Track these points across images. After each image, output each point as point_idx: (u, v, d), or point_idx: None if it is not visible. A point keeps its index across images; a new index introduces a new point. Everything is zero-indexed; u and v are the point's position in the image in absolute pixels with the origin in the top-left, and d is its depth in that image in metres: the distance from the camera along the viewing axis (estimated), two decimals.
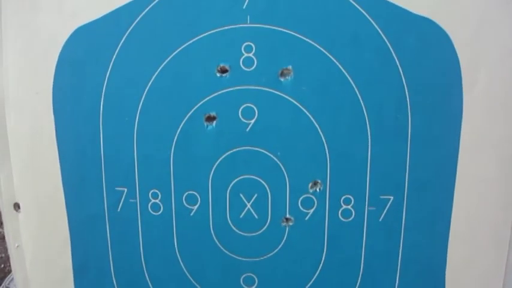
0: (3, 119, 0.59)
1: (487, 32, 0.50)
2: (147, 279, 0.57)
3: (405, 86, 0.49)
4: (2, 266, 2.20)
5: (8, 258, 2.15)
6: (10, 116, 0.58)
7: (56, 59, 0.54)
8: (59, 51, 0.54)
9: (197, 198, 0.53)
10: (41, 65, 0.55)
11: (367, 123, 0.49)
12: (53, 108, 0.55)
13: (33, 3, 0.55)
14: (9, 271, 2.06)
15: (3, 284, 1.95)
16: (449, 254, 0.53)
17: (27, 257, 0.63)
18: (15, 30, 0.56)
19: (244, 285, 0.55)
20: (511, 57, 0.50)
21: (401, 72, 0.49)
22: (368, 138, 0.49)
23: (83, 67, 0.54)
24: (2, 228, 2.31)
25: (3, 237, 2.28)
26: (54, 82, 0.55)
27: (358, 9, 0.48)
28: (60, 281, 0.62)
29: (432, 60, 0.49)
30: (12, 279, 1.94)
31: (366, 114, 0.49)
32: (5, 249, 2.25)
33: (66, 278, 0.62)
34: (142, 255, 0.56)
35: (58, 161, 0.57)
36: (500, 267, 0.55)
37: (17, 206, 0.62)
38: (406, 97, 0.49)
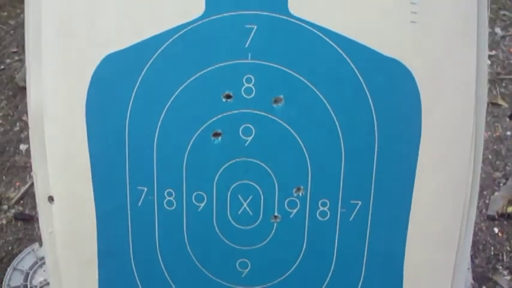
0: (42, 127, 0.72)
1: (444, 72, 0.63)
2: (161, 263, 0.71)
3: (374, 113, 0.62)
4: (10, 248, 2.33)
5: (15, 240, 2.28)
6: (48, 126, 0.71)
7: (89, 80, 0.67)
8: (92, 73, 0.67)
9: (204, 197, 0.67)
10: (75, 85, 0.68)
11: (342, 142, 0.62)
12: (86, 120, 0.68)
13: (69, 32, 0.68)
14: (17, 253, 2.20)
15: (11, 265, 2.09)
16: (407, 250, 0.67)
17: (58, 242, 0.76)
18: (54, 53, 0.69)
19: (239, 269, 0.68)
20: (462, 93, 0.63)
21: (371, 102, 0.62)
22: (342, 155, 0.63)
23: (112, 88, 0.66)
24: (11, 211, 2.45)
25: (11, 221, 2.41)
26: (87, 98, 0.68)
27: (338, 50, 0.61)
28: (86, 263, 0.75)
29: (397, 93, 0.62)
30: (20, 259, 2.08)
31: (340, 135, 0.62)
32: (13, 233, 2.38)
33: (91, 261, 0.75)
34: (157, 243, 0.70)
35: (89, 163, 0.70)
36: (449, 266, 0.69)
37: (51, 199, 0.76)
38: (374, 123, 0.62)
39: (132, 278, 0.73)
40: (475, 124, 0.64)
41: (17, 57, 3.52)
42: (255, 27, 0.61)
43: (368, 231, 0.65)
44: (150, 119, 0.65)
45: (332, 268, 0.67)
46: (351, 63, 0.61)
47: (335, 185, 0.64)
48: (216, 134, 0.64)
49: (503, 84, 3.21)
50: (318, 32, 0.61)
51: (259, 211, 0.66)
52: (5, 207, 2.50)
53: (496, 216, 2.35)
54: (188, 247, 0.69)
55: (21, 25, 3.71)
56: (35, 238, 2.31)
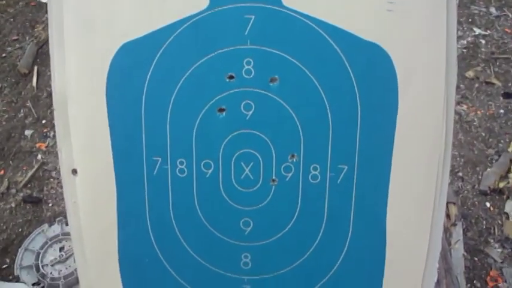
0: (65, 108, 0.83)
1: (418, 53, 0.74)
2: (174, 225, 0.82)
3: (356, 90, 0.73)
4: (20, 229, 2.44)
5: (25, 222, 2.40)
6: (72, 106, 0.82)
7: (108, 66, 0.78)
8: (111, 59, 0.78)
9: (211, 165, 0.78)
10: (96, 70, 0.79)
11: (329, 115, 0.74)
12: (106, 101, 0.79)
13: (89, 24, 0.78)
14: (27, 234, 2.31)
15: (22, 246, 2.20)
16: (388, 209, 0.78)
17: (81, 211, 0.87)
18: (76, 42, 0.80)
19: (243, 227, 0.80)
20: (434, 71, 0.74)
21: (354, 80, 0.73)
22: (329, 125, 0.74)
23: (129, 72, 0.77)
24: (19, 195, 2.56)
25: (20, 204, 2.52)
26: (107, 82, 0.78)
27: (325, 36, 0.72)
28: (107, 229, 0.86)
29: (376, 71, 0.73)
30: (31, 240, 2.19)
31: (328, 108, 0.73)
32: (22, 215, 2.49)
33: (111, 227, 0.85)
34: (170, 206, 0.81)
35: (109, 138, 0.81)
36: (427, 223, 0.80)
37: (74, 171, 0.87)
38: (356, 98, 0.73)
39: (148, 239, 0.84)
40: (446, 96, 0.75)
41: (17, 45, 3.61)
42: (253, 17, 0.72)
43: (354, 192, 0.77)
44: (163, 98, 0.76)
45: (323, 225, 0.79)
46: (336, 47, 0.72)
47: (324, 152, 0.75)
48: (221, 110, 0.75)
49: (497, 64, 3.31)
50: (307, 21, 0.72)
51: (259, 176, 0.78)
52: (13, 191, 2.61)
53: (488, 191, 2.47)
54: (198, 209, 0.80)
55: (20, 13, 3.81)
56: (44, 219, 2.42)
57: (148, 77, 0.76)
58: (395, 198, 0.78)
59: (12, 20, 3.89)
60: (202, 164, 0.78)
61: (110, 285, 0.89)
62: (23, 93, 3.19)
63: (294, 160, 0.76)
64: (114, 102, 0.79)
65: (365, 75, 0.73)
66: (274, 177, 0.78)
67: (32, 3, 4.04)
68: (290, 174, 0.77)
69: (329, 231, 0.79)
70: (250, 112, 0.75)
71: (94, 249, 0.89)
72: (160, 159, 0.79)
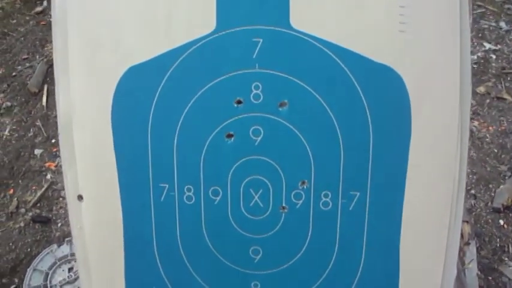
0: (71, 133, 0.82)
1: (431, 75, 0.71)
2: (182, 252, 0.80)
3: (368, 114, 0.71)
4: (29, 249, 2.43)
5: (33, 242, 2.38)
6: (77, 131, 0.80)
7: (114, 89, 0.76)
8: (116, 83, 0.76)
9: (219, 192, 0.76)
10: (102, 94, 0.77)
11: (340, 140, 0.71)
12: (112, 126, 0.77)
13: (93, 48, 0.77)
14: (36, 254, 2.30)
15: (31, 266, 2.19)
16: (402, 235, 0.75)
17: (86, 236, 0.85)
18: (80, 66, 0.78)
19: (252, 255, 0.77)
20: (448, 94, 0.72)
21: (365, 104, 0.70)
22: (340, 151, 0.72)
23: (135, 96, 0.76)
24: (28, 214, 2.55)
25: (29, 223, 2.51)
26: (112, 106, 0.77)
27: (335, 59, 0.70)
28: (113, 255, 0.84)
29: (389, 95, 0.71)
30: (40, 260, 2.17)
31: (339, 134, 0.71)
32: (31, 235, 2.48)
33: (118, 253, 0.83)
34: (178, 233, 0.79)
35: (115, 163, 0.79)
36: (441, 249, 0.77)
37: (80, 197, 0.85)
38: (368, 122, 0.71)
39: (156, 266, 0.82)
40: (460, 121, 0.73)
41: (28, 64, 3.62)
42: (261, 40, 0.70)
43: (366, 219, 0.74)
44: (170, 123, 0.74)
45: (335, 253, 0.76)
46: (346, 70, 0.70)
47: (335, 178, 0.72)
48: (229, 135, 0.73)
49: (508, 79, 3.28)
50: (317, 43, 0.70)
51: (269, 203, 0.75)
52: (23, 210, 2.60)
53: (502, 209, 2.43)
54: (206, 237, 0.78)
55: (30, 32, 3.83)
56: (53, 239, 2.41)
57: (154, 101, 0.75)
58: (408, 224, 0.75)
59: (22, 39, 3.92)
60: (210, 190, 0.76)
61: None
62: (32, 112, 3.20)
63: (305, 187, 0.74)
64: (120, 127, 0.77)
65: (377, 98, 0.70)
66: (284, 205, 0.75)
67: (42, 23, 4.07)
68: (300, 202, 0.74)
69: (341, 260, 0.76)
70: (259, 138, 0.73)
71: (100, 275, 0.87)
72: (167, 185, 0.77)
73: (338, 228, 0.75)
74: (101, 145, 0.79)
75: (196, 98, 0.73)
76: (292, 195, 0.75)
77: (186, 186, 0.76)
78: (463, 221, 2.10)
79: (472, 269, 2.01)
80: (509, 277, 2.18)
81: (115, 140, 0.78)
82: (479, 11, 3.98)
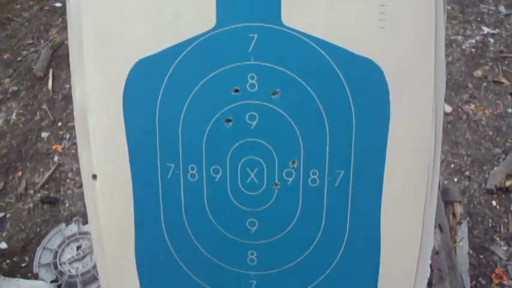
0: (85, 119, 0.92)
1: (408, 66, 0.81)
2: (186, 225, 0.90)
3: (351, 101, 0.80)
4: (38, 229, 2.54)
5: (42, 222, 2.50)
6: (91, 117, 0.90)
7: (125, 80, 0.86)
8: (127, 74, 0.86)
9: (219, 170, 0.86)
10: (114, 84, 0.87)
11: (326, 124, 0.81)
12: (123, 112, 0.87)
13: (106, 43, 0.87)
14: (45, 234, 2.41)
15: (40, 245, 2.29)
16: (382, 210, 0.85)
17: (100, 213, 0.95)
18: (94, 59, 0.88)
19: (248, 227, 0.88)
20: (423, 82, 0.81)
21: (348, 93, 0.80)
22: (326, 134, 0.81)
23: (144, 86, 0.85)
24: (37, 195, 2.66)
25: (38, 204, 2.62)
26: (124, 94, 0.86)
27: (321, 52, 0.80)
28: (125, 229, 0.94)
29: (369, 84, 0.80)
30: (49, 239, 2.28)
31: (325, 118, 0.81)
32: (40, 215, 2.59)
33: (129, 227, 0.93)
34: (183, 208, 0.89)
35: (126, 146, 0.89)
36: (418, 223, 0.87)
37: (94, 176, 0.95)
38: (351, 109, 0.81)
39: (163, 238, 0.92)
40: (435, 108, 0.82)
41: (32, 49, 3.72)
42: (256, 35, 0.80)
43: (350, 194, 0.84)
44: (175, 110, 0.84)
45: (322, 225, 0.86)
46: (331, 62, 0.80)
47: (322, 158, 0.83)
48: (228, 120, 0.83)
49: (506, 62, 3.36)
50: (305, 38, 0.79)
51: (263, 180, 0.85)
52: (31, 191, 2.72)
53: (495, 190, 2.53)
54: (208, 210, 0.88)
55: (34, 17, 3.92)
56: (61, 219, 2.53)
57: (161, 90, 0.84)
58: (388, 199, 0.85)
59: (27, 24, 4.01)
60: (211, 169, 0.86)
61: (128, 281, 0.98)
62: (38, 96, 3.30)
63: (295, 166, 0.84)
64: (131, 114, 0.87)
65: (359, 87, 0.80)
66: (276, 182, 0.85)
67: (46, 8, 4.16)
68: (291, 179, 0.85)
69: (328, 230, 0.86)
70: (254, 122, 0.83)
71: (112, 248, 0.97)
72: (173, 165, 0.87)
73: (325, 203, 0.85)
74: (113, 130, 0.89)
75: (198, 87, 0.83)
76: (283, 173, 0.85)
77: (190, 165, 0.86)
78: (456, 201, 2.21)
79: (463, 247, 2.12)
80: (500, 256, 2.29)
81: (126, 125, 0.88)
82: None
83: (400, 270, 0.89)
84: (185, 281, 0.94)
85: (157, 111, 0.85)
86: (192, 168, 0.87)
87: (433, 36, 0.81)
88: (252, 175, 0.86)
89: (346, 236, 0.87)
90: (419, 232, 0.88)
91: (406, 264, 0.89)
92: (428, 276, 0.93)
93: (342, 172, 0.84)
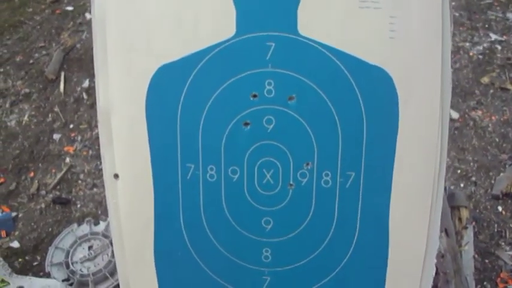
0: (109, 121, 0.97)
1: (416, 75, 0.86)
2: (204, 223, 0.96)
3: (362, 107, 0.86)
4: (50, 229, 2.60)
5: (54, 222, 2.55)
6: (114, 119, 0.96)
7: (148, 84, 0.92)
8: (150, 79, 0.92)
9: (237, 171, 0.91)
10: (137, 88, 0.92)
11: (339, 128, 0.86)
12: (146, 115, 0.93)
13: (129, 47, 0.92)
14: (57, 234, 2.46)
15: (52, 245, 2.35)
16: (391, 210, 0.91)
17: (121, 210, 1.01)
18: (118, 63, 0.94)
19: (264, 225, 0.93)
20: (430, 91, 0.86)
21: (360, 99, 0.85)
22: (339, 138, 0.87)
23: (166, 90, 0.91)
24: (49, 196, 2.72)
25: (50, 205, 2.68)
26: (146, 98, 0.92)
27: (334, 60, 0.85)
28: (144, 227, 0.99)
29: (380, 91, 0.86)
30: (61, 239, 2.33)
31: (338, 123, 0.86)
32: (52, 215, 2.65)
33: (149, 224, 0.99)
34: (201, 207, 0.95)
35: (148, 147, 0.94)
36: (425, 223, 0.92)
37: (116, 176, 1.00)
38: (363, 114, 0.86)
39: (181, 235, 0.98)
40: (441, 114, 0.88)
41: (44, 52, 3.79)
42: (273, 44, 0.86)
43: (360, 195, 0.89)
44: (196, 113, 0.90)
45: (334, 224, 0.91)
46: (344, 70, 0.85)
47: (334, 160, 0.88)
48: (246, 124, 0.89)
49: None
50: (320, 47, 0.85)
51: (279, 180, 0.91)
52: (43, 192, 2.78)
53: (501, 196, 2.57)
54: (225, 209, 0.94)
55: (46, 20, 3.99)
56: (73, 220, 2.58)
57: (183, 94, 0.90)
58: (396, 200, 0.90)
59: (38, 27, 4.08)
60: (229, 170, 0.92)
61: (146, 277, 1.03)
62: (50, 98, 3.37)
63: (309, 167, 0.89)
64: (153, 116, 0.92)
65: (370, 94, 0.85)
66: (291, 182, 0.91)
67: (58, 11, 4.23)
68: (305, 180, 0.90)
69: (339, 229, 0.92)
70: (271, 126, 0.88)
71: (132, 245, 1.03)
72: (193, 165, 0.92)
73: (336, 203, 0.90)
74: (136, 132, 0.94)
75: (218, 92, 0.88)
76: (298, 174, 0.90)
77: (209, 166, 0.92)
78: (462, 206, 2.25)
79: (469, 251, 2.16)
80: (505, 261, 2.33)
81: (148, 127, 0.93)
82: (487, 1, 4.08)
83: (407, 269, 0.94)
84: (201, 277, 1.00)
85: (178, 114, 0.91)
86: (211, 169, 0.92)
87: (440, 46, 0.86)
88: (268, 176, 0.91)
89: (356, 235, 0.92)
90: (426, 233, 0.93)
91: (413, 264, 0.94)
92: (433, 276, 0.98)
93: (353, 174, 0.89)
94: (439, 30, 0.85)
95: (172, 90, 0.91)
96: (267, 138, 0.89)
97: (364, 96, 0.86)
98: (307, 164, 0.90)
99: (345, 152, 0.88)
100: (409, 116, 0.86)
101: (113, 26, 0.93)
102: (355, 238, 0.92)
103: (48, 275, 2.28)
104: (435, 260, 0.97)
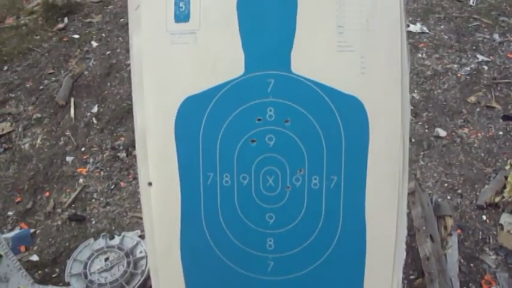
0: (144, 140, 1.28)
1: (382, 102, 1.18)
2: (221, 219, 1.26)
3: (341, 126, 1.17)
4: (67, 244, 2.89)
5: (71, 237, 2.84)
6: (149, 139, 1.27)
7: (176, 112, 1.23)
8: (178, 107, 1.23)
9: (247, 177, 1.23)
10: (168, 115, 1.24)
11: (324, 144, 1.18)
12: (175, 136, 1.24)
13: (162, 83, 1.24)
14: (74, 248, 2.75)
15: (71, 257, 2.63)
16: (366, 205, 1.22)
17: (154, 212, 1.31)
18: (152, 94, 1.26)
19: (268, 219, 1.24)
20: (392, 115, 1.18)
21: (339, 121, 1.17)
22: (324, 151, 1.18)
23: (191, 115, 1.23)
24: (64, 214, 3.00)
25: (66, 222, 2.97)
26: (175, 123, 1.24)
27: (318, 92, 1.17)
28: (173, 225, 1.29)
29: (354, 114, 1.17)
30: (79, 252, 2.62)
31: (323, 140, 1.18)
32: (68, 231, 2.93)
33: (176, 224, 1.29)
34: (219, 206, 1.25)
35: (176, 161, 1.26)
36: (393, 214, 1.23)
37: (150, 184, 1.31)
38: (341, 133, 1.18)
39: (202, 230, 1.28)
40: (402, 131, 1.19)
41: (53, 78, 4.12)
42: (273, 80, 1.18)
43: (342, 194, 1.21)
44: (214, 133, 1.22)
45: (322, 217, 1.22)
46: (326, 98, 1.17)
47: (321, 167, 1.19)
48: (253, 141, 1.21)
49: (498, 88, 3.73)
50: (307, 82, 1.17)
51: (278, 184, 1.22)
52: (59, 210, 3.08)
53: (485, 206, 2.87)
54: (237, 208, 1.25)
55: (54, 48, 4.33)
56: (88, 235, 2.87)
57: (204, 118, 1.22)
58: (370, 197, 1.21)
59: (47, 54, 4.42)
60: (240, 176, 1.23)
61: (172, 266, 1.33)
62: (61, 123, 3.69)
63: (301, 173, 1.21)
64: (180, 136, 1.24)
65: (346, 116, 1.17)
66: (288, 185, 1.22)
67: (65, 39, 4.57)
68: (299, 183, 1.21)
69: (326, 221, 1.23)
70: (272, 142, 1.20)
71: (162, 239, 1.33)
72: (212, 174, 1.24)
73: (323, 200, 1.21)
74: (167, 148, 1.26)
75: (232, 117, 1.20)
76: (293, 179, 1.21)
77: (225, 174, 1.23)
78: (447, 215, 2.55)
79: (453, 254, 2.46)
80: (489, 264, 2.62)
81: (177, 144, 1.25)
82: (474, 23, 4.44)
83: (382, 251, 1.25)
84: (219, 264, 1.30)
85: (200, 134, 1.22)
86: (226, 176, 1.23)
87: (400, 79, 1.18)
88: (270, 181, 1.22)
89: (340, 225, 1.23)
90: (395, 222, 1.24)
91: (387, 247, 1.25)
92: (404, 256, 1.28)
93: (336, 178, 1.20)
94: (399, 66, 1.18)
95: (195, 115, 1.22)
96: (269, 151, 1.21)
97: (341, 117, 1.17)
98: (300, 171, 1.21)
99: (328, 160, 1.19)
100: (377, 131, 1.18)
101: (148, 66, 1.25)
102: (339, 228, 1.23)
103: (67, 286, 2.54)
104: (404, 246, 1.28)
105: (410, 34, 4.23)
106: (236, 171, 1.23)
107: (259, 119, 1.20)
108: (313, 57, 1.18)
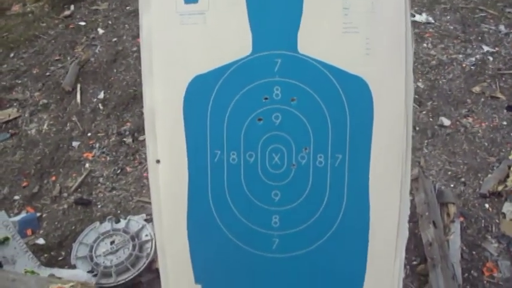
0: (153, 119, 1.32)
1: (386, 82, 1.21)
2: (227, 195, 1.30)
3: (346, 107, 1.20)
4: (73, 227, 2.93)
5: (77, 221, 2.88)
6: (158, 118, 1.30)
7: (185, 91, 1.27)
8: (186, 86, 1.26)
9: (253, 155, 1.26)
10: (176, 94, 1.27)
11: (329, 122, 1.21)
12: (183, 115, 1.27)
13: (171, 62, 1.27)
14: (80, 231, 2.78)
15: (77, 240, 2.66)
16: (370, 182, 1.25)
17: (161, 189, 1.35)
18: (161, 75, 1.29)
19: (273, 197, 1.27)
20: (396, 96, 1.21)
21: (344, 101, 1.20)
22: (329, 129, 1.21)
23: (199, 95, 1.26)
24: (70, 198, 3.04)
25: (72, 206, 3.01)
26: (184, 102, 1.27)
27: (324, 72, 1.20)
28: (180, 202, 1.33)
29: (359, 94, 1.20)
30: (85, 235, 2.65)
31: (328, 118, 1.21)
32: (74, 215, 2.97)
33: (183, 200, 1.33)
34: (225, 184, 1.29)
35: (184, 138, 1.29)
36: (396, 191, 1.26)
37: (158, 161, 1.34)
38: (346, 112, 1.20)
39: (209, 207, 1.32)
40: (406, 109, 1.22)
41: (60, 65, 4.15)
42: (280, 60, 1.21)
43: (346, 172, 1.24)
44: (222, 112, 1.25)
45: (327, 194, 1.26)
46: (332, 78, 1.20)
47: (326, 146, 1.23)
48: (259, 119, 1.24)
49: (503, 79, 3.75)
50: (313, 62, 1.20)
51: (284, 162, 1.26)
52: (65, 194, 3.12)
53: (488, 194, 2.90)
54: (244, 185, 1.28)
55: (60, 35, 4.36)
56: (94, 219, 2.91)
57: (212, 97, 1.25)
58: (374, 176, 1.24)
59: (53, 41, 4.45)
60: (247, 154, 1.26)
61: (179, 241, 1.36)
62: (67, 108, 3.72)
63: (307, 151, 1.24)
64: (189, 114, 1.27)
65: (351, 96, 1.20)
66: (294, 163, 1.25)
67: (71, 26, 4.61)
68: (304, 161, 1.24)
69: (331, 198, 1.26)
70: (278, 121, 1.23)
71: (169, 217, 1.36)
72: (219, 151, 1.27)
73: (328, 178, 1.25)
74: (175, 126, 1.29)
75: (239, 96, 1.23)
76: (299, 157, 1.25)
77: (232, 152, 1.26)
78: (450, 203, 2.58)
79: (455, 241, 2.49)
80: (491, 252, 2.65)
81: (185, 122, 1.28)
82: (480, 14, 4.45)
83: (385, 229, 1.28)
84: (225, 240, 1.33)
85: (208, 112, 1.25)
86: (233, 154, 1.27)
87: (404, 58, 1.21)
88: (276, 158, 1.25)
89: (344, 202, 1.26)
90: (398, 200, 1.27)
91: (390, 225, 1.28)
92: (407, 235, 1.31)
93: (340, 156, 1.23)
94: (403, 47, 1.20)
95: (203, 94, 1.25)
96: (275, 130, 1.24)
97: (347, 97, 1.20)
98: (306, 149, 1.24)
99: (333, 139, 1.22)
100: (381, 111, 1.21)
101: (157, 46, 1.28)
102: (344, 205, 1.26)
103: (73, 268, 2.58)
104: (407, 225, 1.31)
105: (416, 24, 4.25)
106: (243, 149, 1.26)
107: (266, 98, 1.23)
108: (320, 37, 1.20)
